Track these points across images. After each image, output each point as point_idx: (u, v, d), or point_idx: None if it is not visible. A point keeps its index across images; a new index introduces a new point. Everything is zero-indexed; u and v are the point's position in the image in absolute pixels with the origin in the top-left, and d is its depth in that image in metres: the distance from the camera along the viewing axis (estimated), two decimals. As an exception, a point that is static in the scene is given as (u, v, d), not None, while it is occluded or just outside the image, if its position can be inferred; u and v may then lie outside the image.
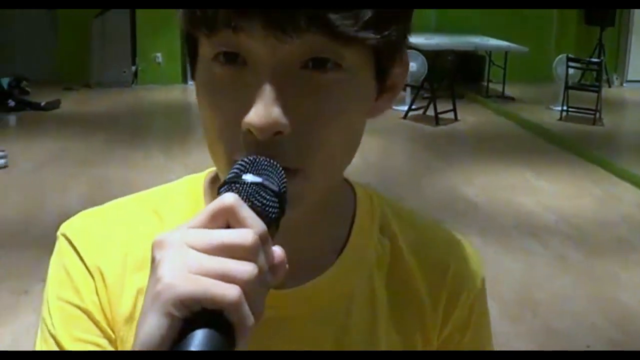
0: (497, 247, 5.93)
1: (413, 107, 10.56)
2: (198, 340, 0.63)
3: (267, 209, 0.72)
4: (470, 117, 10.76)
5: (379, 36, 0.78)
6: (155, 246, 0.68)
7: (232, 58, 0.79)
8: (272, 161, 0.75)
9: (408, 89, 10.96)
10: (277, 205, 0.73)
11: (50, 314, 0.93)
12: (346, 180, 1.02)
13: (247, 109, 0.76)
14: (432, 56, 10.68)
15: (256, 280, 0.65)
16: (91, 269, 0.92)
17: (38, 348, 0.94)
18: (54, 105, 11.32)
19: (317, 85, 0.79)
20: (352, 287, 0.95)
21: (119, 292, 0.91)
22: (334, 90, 0.79)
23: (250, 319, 0.65)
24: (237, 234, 0.66)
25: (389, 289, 0.97)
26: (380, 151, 8.93)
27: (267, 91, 0.76)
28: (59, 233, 0.96)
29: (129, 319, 0.91)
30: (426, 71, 10.41)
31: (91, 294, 0.92)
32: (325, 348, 0.93)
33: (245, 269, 0.65)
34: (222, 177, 0.80)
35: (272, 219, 0.72)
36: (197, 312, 0.64)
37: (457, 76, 11.01)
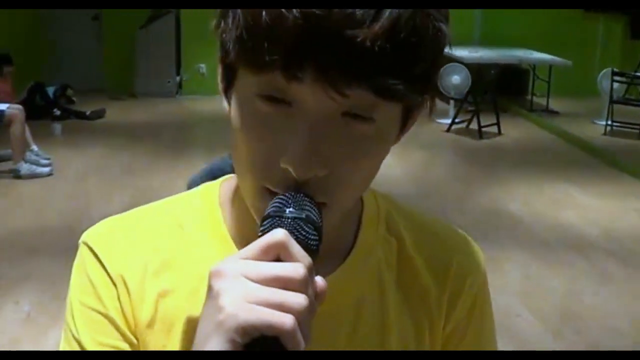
0: (539, 261, 5.89)
1: (456, 120, 10.53)
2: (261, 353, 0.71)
3: (309, 241, 0.78)
4: (514, 130, 10.70)
5: (426, 90, 0.84)
6: (213, 276, 0.74)
7: (275, 99, 0.81)
8: (310, 198, 0.81)
9: (452, 102, 10.94)
10: (317, 237, 0.79)
11: (74, 319, 0.97)
12: None
13: (286, 146, 0.81)
14: (476, 69, 10.65)
15: (307, 310, 0.72)
16: (113, 277, 0.96)
17: (62, 339, 0.99)
18: (99, 114, 11.45)
19: (351, 134, 0.82)
20: (362, 283, 1.00)
21: (141, 298, 0.95)
22: (367, 139, 0.83)
23: (302, 344, 0.72)
24: (290, 268, 0.73)
25: (397, 284, 1.03)
26: (423, 164, 8.92)
27: (308, 138, 0.80)
28: (81, 241, 1.00)
29: (151, 322, 0.95)
30: (470, 84, 10.37)
31: (113, 300, 0.95)
32: (339, 342, 0.98)
33: (299, 300, 0.72)
34: (249, 201, 0.88)
35: (313, 251, 0.78)
36: (256, 339, 0.71)
37: (500, 89, 10.97)
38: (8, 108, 8.47)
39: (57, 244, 6.17)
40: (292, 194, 0.81)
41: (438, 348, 1.04)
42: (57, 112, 11.45)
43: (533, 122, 11.37)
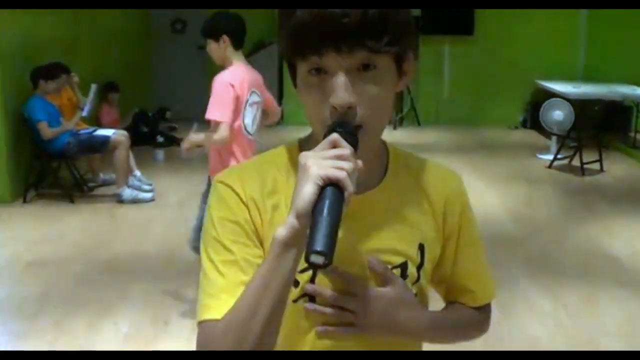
0: (638, 301, 5.75)
1: (559, 156, 10.38)
2: (329, 191, 1.27)
3: (351, 142, 1.35)
4: (617, 168, 10.48)
5: (395, 47, 1.39)
6: (302, 157, 1.32)
7: (318, 71, 1.39)
8: (348, 121, 1.38)
9: (554, 138, 10.80)
10: (355, 140, 1.36)
11: (214, 227, 1.49)
12: (383, 141, 1.61)
13: (330, 94, 1.38)
14: (579, 105, 10.49)
15: (352, 170, 1.29)
16: (245, 200, 1.50)
17: (206, 251, 1.49)
18: (201, 142, 11.61)
19: (365, 78, 1.39)
20: (391, 197, 1.57)
21: (264, 210, 1.50)
22: (376, 79, 1.40)
23: (351, 188, 1.28)
24: (342, 150, 1.31)
25: (411, 198, 1.61)
26: (524, 199, 8.82)
27: (341, 84, 1.37)
28: (215, 181, 1.54)
29: (269, 223, 1.49)
30: (573, 120, 10.22)
31: (244, 214, 1.49)
32: (377, 228, 1.54)
33: (348, 164, 1.29)
34: (318, 132, 1.43)
35: (354, 147, 1.35)
36: (327, 183, 1.28)
37: (603, 126, 10.78)
38: (114, 134, 8.69)
39: (155, 269, 6.28)
40: (340, 119, 1.38)
41: (440, 239, 1.63)
42: (161, 139, 11.70)
43: (636, 160, 11.12)
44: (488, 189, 9.20)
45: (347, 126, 1.37)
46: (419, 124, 13.87)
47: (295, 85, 1.48)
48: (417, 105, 13.85)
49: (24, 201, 8.44)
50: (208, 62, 5.60)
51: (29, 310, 5.46)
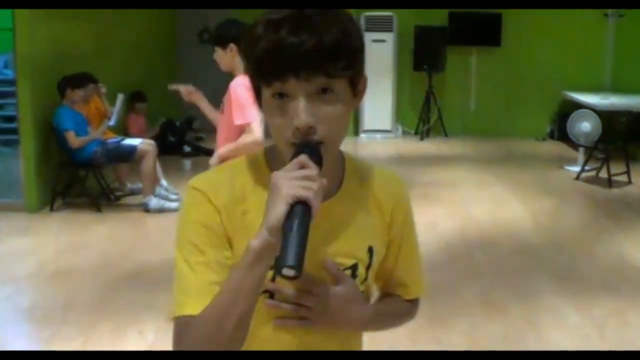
0: (669, 316, 5.69)
1: (586, 168, 10.32)
2: (298, 209, 1.41)
3: (316, 161, 1.48)
4: (645, 180, 10.41)
5: (349, 71, 1.53)
6: (273, 177, 1.45)
7: (281, 95, 1.51)
8: (312, 140, 1.51)
9: (581, 150, 10.74)
10: (320, 159, 1.50)
11: (189, 230, 1.64)
12: (341, 152, 1.73)
13: (293, 119, 1.50)
14: (607, 116, 10.43)
15: (318, 189, 1.44)
16: (217, 207, 1.62)
17: (180, 251, 1.67)
18: (227, 152, 11.63)
19: (324, 101, 1.52)
20: (346, 204, 1.72)
21: (233, 214, 1.63)
22: (333, 102, 1.53)
23: (318, 205, 1.43)
24: (309, 171, 1.45)
25: (365, 205, 1.75)
26: (551, 211, 8.77)
27: (302, 107, 1.50)
28: (189, 186, 1.66)
29: (239, 227, 1.62)
30: (600, 132, 10.15)
31: (216, 220, 1.62)
32: (333, 233, 1.69)
33: (315, 184, 1.44)
34: (282, 148, 1.56)
35: (319, 164, 1.48)
36: (296, 202, 1.42)
37: (631, 137, 10.70)
38: (141, 143, 8.72)
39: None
40: (305, 140, 1.51)
41: (386, 241, 1.79)
42: (188, 149, 11.74)
43: (666, 172, 11.04)
44: (515, 200, 9.17)
45: (311, 146, 1.51)
46: (445, 134, 13.84)
47: (260, 107, 1.61)
48: (444, 116, 13.83)
49: (51, 210, 8.50)
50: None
51: (55, 318, 5.49)
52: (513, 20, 13.43)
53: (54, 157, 8.58)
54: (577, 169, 10.50)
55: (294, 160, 1.48)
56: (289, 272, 1.38)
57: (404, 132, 13.85)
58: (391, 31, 13.31)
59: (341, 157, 1.76)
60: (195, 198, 1.65)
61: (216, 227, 1.62)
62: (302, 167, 1.46)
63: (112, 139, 8.86)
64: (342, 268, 1.71)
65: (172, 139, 11.84)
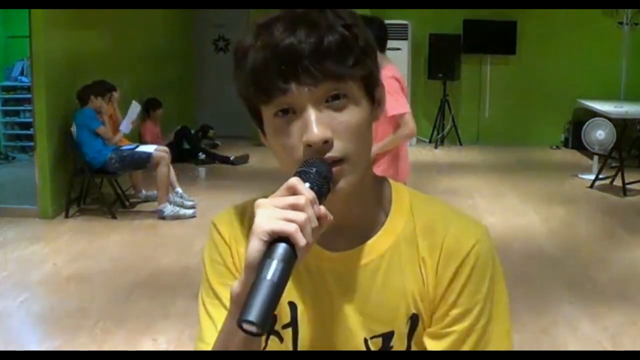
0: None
1: (600, 176, 10.29)
2: (279, 249, 1.14)
3: (319, 187, 1.20)
4: (660, 188, 10.37)
5: (360, 70, 1.28)
6: (256, 206, 1.18)
7: (285, 112, 1.27)
8: (320, 158, 1.24)
9: (595, 158, 10.71)
10: (326, 183, 1.22)
11: (205, 268, 1.50)
12: (385, 179, 1.47)
13: (302, 136, 1.25)
14: (621, 124, 10.40)
15: (306, 222, 1.14)
16: (228, 242, 1.48)
17: (202, 286, 1.51)
18: (244, 160, 11.67)
19: (337, 108, 1.27)
20: (384, 252, 1.40)
21: (242, 252, 1.37)
22: (346, 110, 1.28)
23: (303, 242, 1.14)
24: (296, 198, 1.16)
25: (408, 251, 1.40)
26: (565, 219, 8.74)
27: (312, 119, 1.24)
28: (212, 221, 1.55)
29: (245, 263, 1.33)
30: (615, 140, 10.13)
31: (228, 256, 1.48)
32: (362, 297, 1.40)
33: (300, 216, 1.14)
34: None
35: (324, 192, 1.22)
36: (275, 238, 1.14)
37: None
38: (155, 150, 8.75)
39: (196, 286, 6.20)
40: (307, 159, 1.24)
41: (435, 304, 1.38)
42: (202, 156, 11.76)
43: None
44: (529, 208, 9.15)
45: (317, 164, 1.23)
46: (460, 143, 13.84)
47: (264, 134, 1.36)
48: (458, 124, 13.83)
49: (66, 216, 8.54)
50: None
51: (69, 324, 5.51)
52: (528, 28, 13.42)
53: (69, 164, 8.62)
54: (591, 177, 10.47)
55: (284, 185, 1.19)
56: (251, 328, 1.12)
57: (418, 141, 13.84)
58: (406, 39, 13.30)
59: (382, 185, 1.46)
60: (211, 233, 1.52)
61: (230, 265, 1.47)
62: (293, 192, 1.17)
63: (127, 145, 8.90)
64: (370, 336, 1.40)
65: (187, 146, 11.87)
